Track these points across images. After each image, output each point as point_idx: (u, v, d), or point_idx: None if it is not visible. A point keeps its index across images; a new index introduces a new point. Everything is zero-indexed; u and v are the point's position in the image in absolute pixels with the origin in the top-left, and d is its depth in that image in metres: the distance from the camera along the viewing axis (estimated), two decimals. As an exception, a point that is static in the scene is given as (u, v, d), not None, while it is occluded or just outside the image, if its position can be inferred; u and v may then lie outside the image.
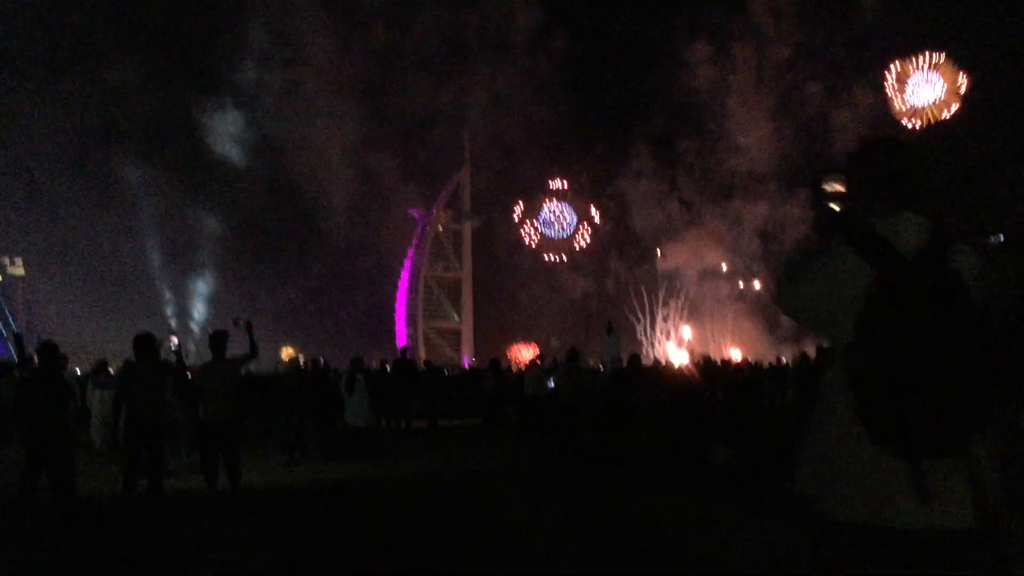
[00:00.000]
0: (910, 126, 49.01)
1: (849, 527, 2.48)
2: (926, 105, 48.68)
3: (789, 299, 2.83)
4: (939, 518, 2.39)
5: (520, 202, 66.95)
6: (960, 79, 47.35)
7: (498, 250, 70.14)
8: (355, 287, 66.86)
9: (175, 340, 11.79)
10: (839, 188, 2.89)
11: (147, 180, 51.16)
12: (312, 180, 58.65)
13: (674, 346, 57.69)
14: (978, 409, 2.39)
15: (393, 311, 70.05)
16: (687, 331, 58.20)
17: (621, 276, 64.12)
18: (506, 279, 68.91)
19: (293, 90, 57.99)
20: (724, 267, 56.87)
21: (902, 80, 49.62)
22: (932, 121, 48.05)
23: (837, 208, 2.88)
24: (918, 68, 49.02)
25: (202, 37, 53.75)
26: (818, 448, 2.63)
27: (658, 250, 61.03)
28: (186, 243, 54.42)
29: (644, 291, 60.80)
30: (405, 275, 71.29)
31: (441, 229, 72.53)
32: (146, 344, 8.96)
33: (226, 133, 55.54)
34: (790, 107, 56.78)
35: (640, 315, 60.45)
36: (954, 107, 47.73)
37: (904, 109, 49.74)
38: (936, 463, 2.38)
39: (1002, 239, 4.71)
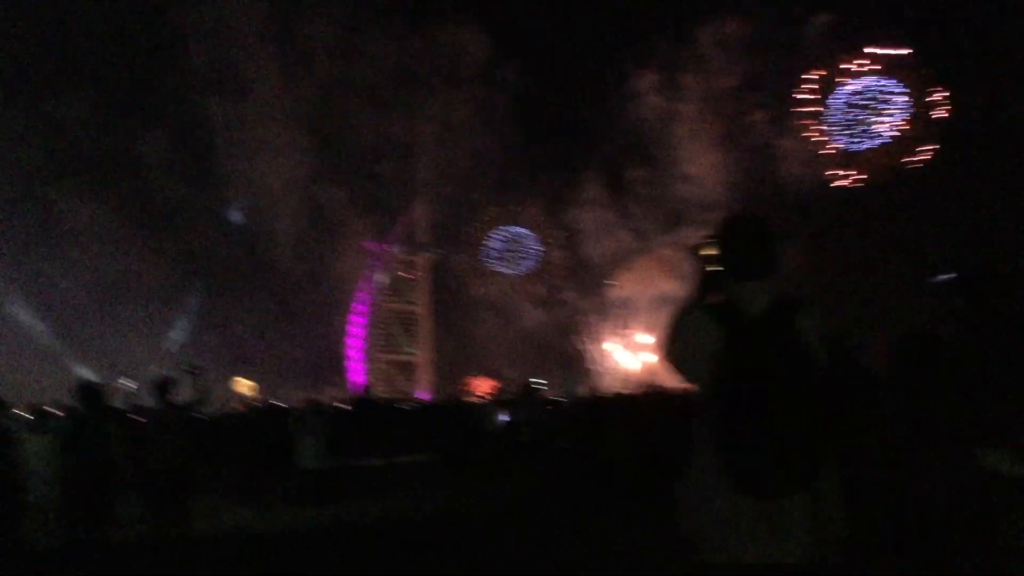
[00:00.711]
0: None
1: (716, 568, 2.80)
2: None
3: (669, 354, 3.14)
4: (784, 552, 2.70)
5: (475, 234, 66.97)
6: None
7: (453, 282, 70.03)
8: (305, 321, 65.88)
9: (131, 384, 11.44)
10: (713, 254, 3.23)
11: (90, 216, 49.71)
12: (259, 213, 57.80)
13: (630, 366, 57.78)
14: (813, 452, 2.73)
15: (342, 345, 69.35)
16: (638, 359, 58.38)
17: (574, 306, 64.38)
18: (461, 311, 68.74)
19: (240, 122, 57.39)
20: (676, 293, 57.17)
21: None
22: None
23: (711, 271, 3.24)
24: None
25: (146, 70, 52.97)
26: (689, 490, 2.95)
27: (610, 280, 61.39)
28: (130, 280, 52.92)
29: (598, 321, 61.06)
30: (361, 308, 70.83)
31: (397, 262, 72.28)
32: (91, 391, 8.67)
33: (170, 166, 54.57)
34: (736, 136, 57.76)
35: (593, 346, 60.63)
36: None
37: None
38: (782, 501, 2.71)
39: (955, 276, 4.72)
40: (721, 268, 3.17)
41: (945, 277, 5.02)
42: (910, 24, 46.69)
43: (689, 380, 3.09)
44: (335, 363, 67.99)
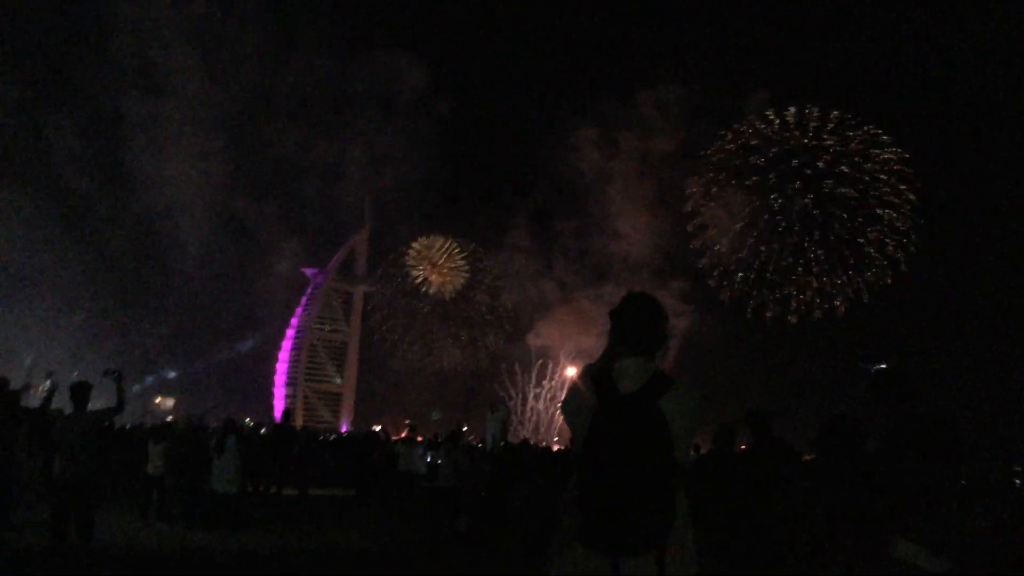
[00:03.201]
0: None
1: None
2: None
3: (564, 411, 3.38)
4: None
5: (405, 265, 66.42)
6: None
7: (382, 317, 69.33)
8: (217, 339, 63.53)
9: (48, 382, 11.05)
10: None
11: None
12: (171, 219, 55.64)
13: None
14: (661, 518, 2.95)
15: (263, 368, 67.81)
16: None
17: (496, 351, 64.03)
18: (384, 347, 68.00)
19: (158, 122, 55.33)
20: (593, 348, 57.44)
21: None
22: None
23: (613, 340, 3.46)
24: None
25: (61, 57, 50.83)
26: (556, 543, 3.18)
27: (530, 328, 61.25)
28: (33, 278, 50.24)
29: (518, 368, 60.89)
30: (290, 333, 69.72)
31: (333, 291, 71.46)
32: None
33: (81, 160, 52.14)
34: (668, 199, 58.56)
35: (512, 392, 60.43)
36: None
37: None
38: (632, 559, 2.93)
39: (883, 367, 4.87)
40: (618, 338, 3.40)
41: (876, 366, 5.17)
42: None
43: (574, 439, 3.31)
44: (251, 385, 66.25)
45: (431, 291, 66.50)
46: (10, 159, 49.82)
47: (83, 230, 52.48)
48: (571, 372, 56.26)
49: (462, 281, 67.20)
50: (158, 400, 51.22)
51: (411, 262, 66.76)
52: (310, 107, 62.69)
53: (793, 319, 52.96)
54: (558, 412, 57.07)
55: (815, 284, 52.62)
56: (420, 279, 66.62)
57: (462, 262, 67.90)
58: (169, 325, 59.15)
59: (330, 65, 62.76)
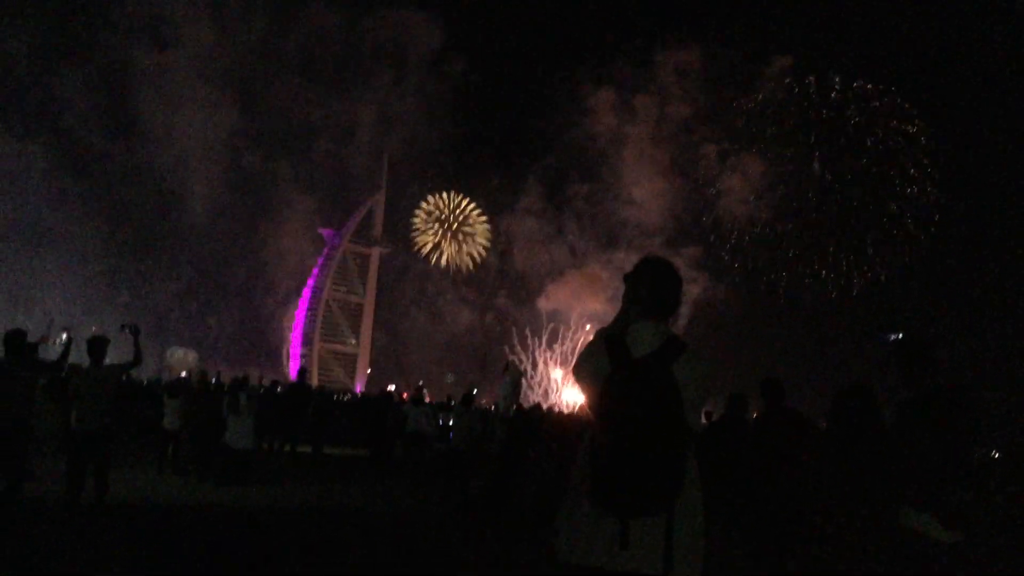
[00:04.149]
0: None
1: (570, 567, 3.11)
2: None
3: (576, 373, 3.39)
4: (634, 563, 2.99)
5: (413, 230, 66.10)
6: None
7: (396, 279, 69.24)
8: (230, 296, 63.32)
9: (65, 335, 11.08)
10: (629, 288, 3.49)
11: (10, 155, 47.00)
12: (182, 175, 55.05)
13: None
14: (671, 482, 2.97)
15: (277, 326, 67.96)
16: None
17: (508, 313, 63.89)
18: (398, 309, 68.06)
19: (167, 76, 54.54)
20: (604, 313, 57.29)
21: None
22: None
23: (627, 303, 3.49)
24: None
25: (71, 10, 50.21)
26: (567, 503, 3.23)
27: (543, 293, 61.00)
28: (47, 232, 50.04)
29: (529, 332, 60.76)
30: (307, 293, 69.98)
31: (349, 253, 71.48)
32: (15, 341, 8.45)
33: (89, 112, 51.75)
34: (684, 166, 57.96)
35: (524, 356, 60.43)
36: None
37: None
38: (636, 521, 2.99)
39: (900, 336, 4.83)
40: (633, 303, 3.41)
41: (894, 336, 5.13)
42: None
43: (587, 402, 3.34)
44: (263, 342, 66.37)
45: (442, 261, 66.26)
46: (21, 112, 49.66)
47: (95, 184, 52.29)
48: (582, 336, 56.23)
49: (480, 250, 66.94)
50: (181, 353, 51.40)
51: (419, 226, 66.59)
52: (320, 65, 61.78)
53: (807, 296, 52.65)
54: (569, 376, 57.12)
55: (831, 261, 52.18)
56: (429, 246, 66.43)
57: (479, 226, 67.66)
58: (182, 281, 59.21)
59: (341, 22, 61.70)
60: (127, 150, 53.80)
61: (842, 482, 4.01)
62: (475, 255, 69.22)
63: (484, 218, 68.72)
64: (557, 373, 59.82)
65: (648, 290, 3.37)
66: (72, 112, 51.16)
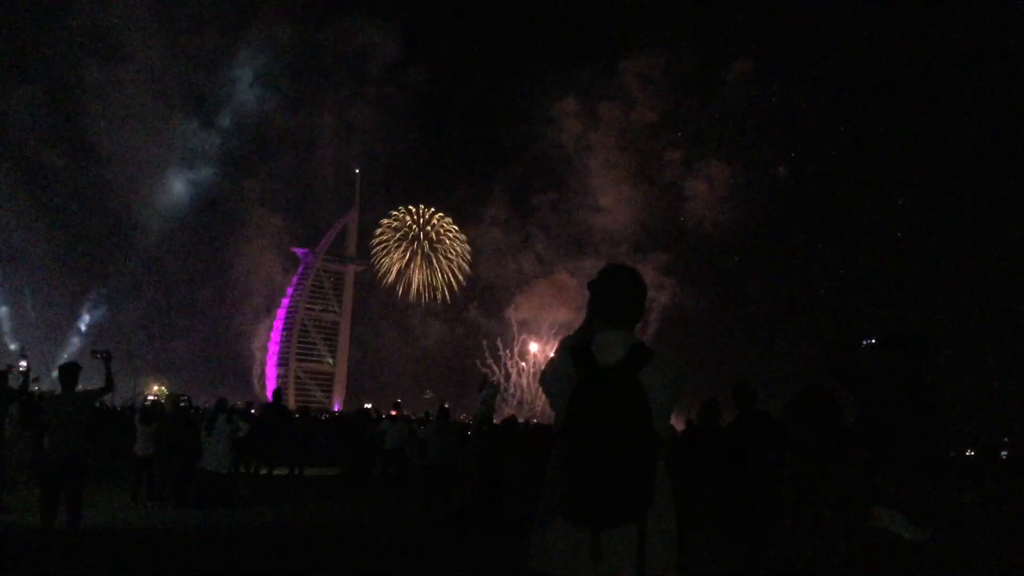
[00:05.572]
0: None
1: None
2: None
3: (543, 384, 3.36)
4: (608, 573, 2.97)
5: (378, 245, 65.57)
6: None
7: (365, 295, 68.65)
8: (195, 317, 62.15)
9: (23, 364, 11.00)
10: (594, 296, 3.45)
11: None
12: (139, 192, 53.95)
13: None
14: (642, 491, 2.96)
15: (246, 347, 67.07)
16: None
17: (478, 325, 63.58)
18: (371, 325, 67.59)
19: (119, 91, 53.53)
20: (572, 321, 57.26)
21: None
22: None
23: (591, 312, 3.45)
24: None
25: (22, 27, 49.19)
26: (539, 515, 3.21)
27: (512, 303, 60.86)
28: (6, 256, 48.88)
29: (500, 344, 60.54)
30: (281, 314, 69.48)
31: (323, 271, 71.06)
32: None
33: (41, 127, 50.70)
34: (650, 172, 58.17)
35: (496, 368, 60.23)
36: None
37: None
38: (613, 531, 2.96)
39: (872, 342, 4.92)
40: (597, 311, 3.39)
41: (867, 342, 5.21)
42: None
43: (555, 413, 3.28)
44: (234, 363, 65.32)
45: (411, 290, 65.41)
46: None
47: (50, 203, 51.35)
48: (552, 346, 56.14)
49: (457, 276, 66.15)
50: (155, 389, 50.62)
51: (385, 242, 65.93)
52: (277, 78, 60.76)
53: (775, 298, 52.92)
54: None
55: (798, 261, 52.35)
56: (394, 272, 65.59)
57: (456, 244, 67.08)
58: (144, 303, 58.14)
59: (295, 34, 60.66)
60: (81, 168, 52.92)
61: (810, 481, 4.05)
62: (451, 279, 68.89)
63: (462, 237, 68.27)
64: (528, 385, 59.65)
65: (612, 298, 3.36)
66: (24, 130, 50.13)
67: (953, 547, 4.41)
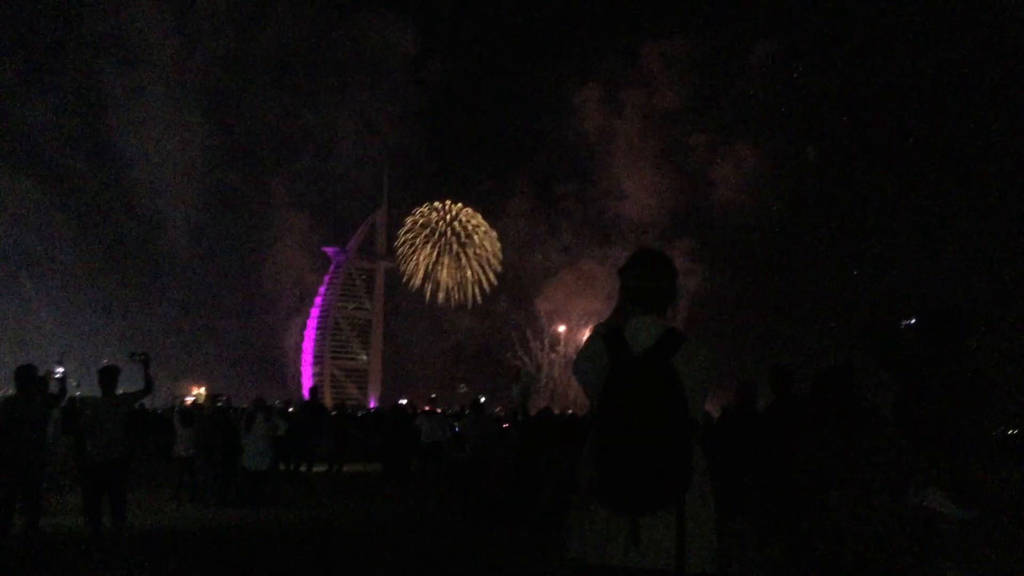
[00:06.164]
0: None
1: (584, 566, 3.08)
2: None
3: (576, 372, 3.36)
4: (644, 559, 2.95)
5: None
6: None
7: (394, 291, 68.62)
8: (228, 318, 62.33)
9: (60, 370, 11.14)
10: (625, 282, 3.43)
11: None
12: (165, 196, 54.09)
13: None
14: (679, 476, 2.93)
15: (280, 346, 67.39)
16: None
17: (508, 317, 63.28)
18: (403, 320, 67.59)
19: (141, 96, 53.79)
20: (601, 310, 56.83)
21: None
22: None
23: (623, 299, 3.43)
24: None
25: (44, 35, 49.60)
26: (576, 503, 3.18)
27: (538, 294, 60.50)
28: (34, 262, 49.42)
29: (530, 335, 60.28)
30: (315, 312, 69.96)
31: (354, 269, 71.34)
32: (26, 376, 8.48)
33: (65, 134, 51.09)
34: (675, 158, 57.52)
35: (527, 360, 60.03)
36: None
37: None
38: (646, 518, 2.94)
39: (913, 322, 4.84)
40: (628, 297, 3.37)
41: (907, 322, 5.14)
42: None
43: (589, 400, 3.30)
44: (268, 362, 65.71)
45: (439, 294, 65.18)
46: (4, 144, 49.24)
47: (81, 211, 51.84)
48: (583, 335, 55.97)
49: (489, 275, 65.99)
50: (194, 391, 51.02)
51: (410, 242, 65.88)
52: (296, 76, 60.63)
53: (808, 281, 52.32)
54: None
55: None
56: (421, 273, 65.42)
57: (488, 242, 66.92)
58: (175, 306, 58.47)
59: (313, 30, 60.54)
60: (107, 174, 53.34)
61: (833, 460, 4.01)
62: (482, 276, 68.70)
63: (493, 234, 67.97)
64: (560, 376, 59.45)
65: (643, 283, 3.34)
66: (49, 139, 50.63)
67: (998, 527, 4.34)
